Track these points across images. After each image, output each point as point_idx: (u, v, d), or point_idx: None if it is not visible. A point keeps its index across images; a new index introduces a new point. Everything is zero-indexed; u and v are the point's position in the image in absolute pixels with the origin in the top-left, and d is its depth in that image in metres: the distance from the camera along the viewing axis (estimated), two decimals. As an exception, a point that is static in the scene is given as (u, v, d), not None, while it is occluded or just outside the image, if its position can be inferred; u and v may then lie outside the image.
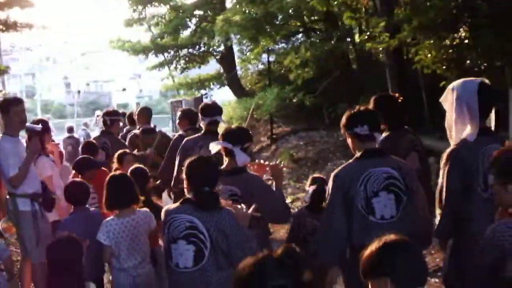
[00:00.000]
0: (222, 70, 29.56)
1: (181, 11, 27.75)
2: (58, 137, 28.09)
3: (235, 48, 27.36)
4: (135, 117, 12.45)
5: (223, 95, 32.58)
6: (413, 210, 5.35)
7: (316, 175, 7.87)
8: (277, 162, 6.70)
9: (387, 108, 6.54)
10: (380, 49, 13.81)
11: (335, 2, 15.77)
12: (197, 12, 27.75)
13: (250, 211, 5.41)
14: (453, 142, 5.59)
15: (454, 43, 11.62)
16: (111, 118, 11.33)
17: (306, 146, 20.15)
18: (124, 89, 44.32)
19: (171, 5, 28.49)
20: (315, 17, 19.99)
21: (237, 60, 28.52)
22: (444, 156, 5.58)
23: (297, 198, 15.90)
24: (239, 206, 5.42)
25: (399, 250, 3.26)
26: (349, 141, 5.58)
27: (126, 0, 29.01)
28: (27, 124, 8.22)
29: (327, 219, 5.50)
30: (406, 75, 14.92)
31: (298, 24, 20.99)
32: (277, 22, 19.05)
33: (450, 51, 11.59)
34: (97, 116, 31.61)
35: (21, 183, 7.64)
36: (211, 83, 29.79)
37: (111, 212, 6.46)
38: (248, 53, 22.75)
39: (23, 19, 18.30)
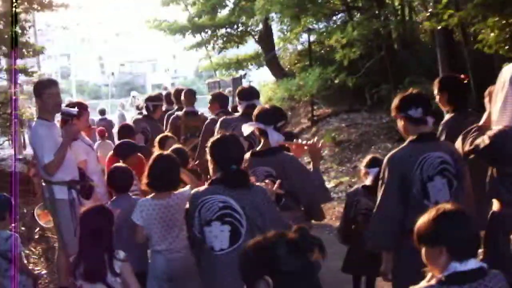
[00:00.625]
0: (260, 50, 28.99)
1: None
2: (92, 117, 27.98)
3: (274, 27, 26.88)
4: (173, 98, 12.54)
5: (261, 76, 32.16)
6: (462, 195, 5.27)
7: (372, 155, 7.56)
8: (315, 141, 6.44)
9: (453, 90, 6.53)
10: (438, 28, 13.05)
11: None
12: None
13: (274, 188, 5.38)
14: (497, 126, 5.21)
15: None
16: (154, 103, 11.43)
17: (348, 128, 19.65)
18: (167, 70, 43.68)
19: (208, -16, 27.98)
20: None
21: (276, 40, 27.97)
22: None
23: (340, 182, 15.44)
24: (266, 181, 5.48)
25: (455, 220, 3.44)
26: (400, 124, 5.47)
27: (163, -21, 28.59)
28: (63, 107, 7.80)
29: (383, 203, 5.38)
30: (456, 57, 14.27)
31: (340, 2, 20.43)
32: (320, 1, 18.47)
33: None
34: (133, 96, 31.61)
35: (57, 170, 7.27)
36: (249, 64, 29.38)
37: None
38: (288, 33, 22.11)
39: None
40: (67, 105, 8.56)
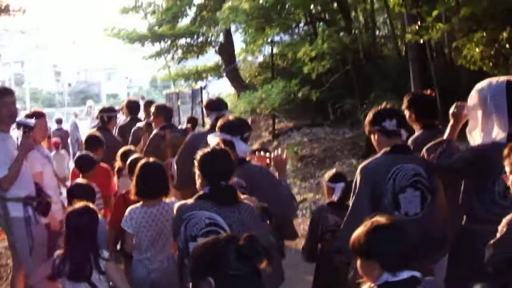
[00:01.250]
0: (220, 62, 28.51)
1: (179, -1, 26.77)
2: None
3: (235, 38, 26.46)
4: (125, 109, 12.43)
5: (220, 87, 31.78)
6: (435, 209, 5.31)
7: (335, 170, 7.33)
8: (279, 153, 6.19)
9: (422, 107, 6.40)
10: (412, 42, 12.68)
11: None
12: (195, 0, 26.71)
13: (256, 202, 5.24)
14: (475, 143, 5.19)
15: (507, 38, 10.68)
16: (109, 114, 11.05)
17: (311, 143, 19.25)
18: (126, 78, 42.95)
19: (169, -7, 27.47)
20: (328, 7, 18.96)
21: (237, 52, 27.49)
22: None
23: (304, 199, 14.98)
24: (253, 198, 5.25)
25: (387, 234, 3.49)
26: (374, 138, 5.46)
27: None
28: (19, 118, 7.18)
29: (353, 213, 5.28)
30: (427, 72, 13.89)
31: (304, 14, 20.08)
32: (284, 12, 18.06)
33: (503, 46, 10.68)
34: (89, 106, 31.03)
35: (10, 185, 6.70)
36: (209, 75, 28.83)
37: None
38: (250, 45, 21.65)
39: (16, 2, 17.35)
40: (26, 115, 7.99)
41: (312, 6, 18.01)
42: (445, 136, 5.36)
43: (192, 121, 13.99)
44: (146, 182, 6.05)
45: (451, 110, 5.37)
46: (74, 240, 5.36)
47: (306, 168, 17.36)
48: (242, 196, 5.13)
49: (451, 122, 5.38)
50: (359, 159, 16.31)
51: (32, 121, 7.16)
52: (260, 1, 16.34)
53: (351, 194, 5.38)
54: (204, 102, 9.09)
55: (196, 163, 5.05)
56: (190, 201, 4.98)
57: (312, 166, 17.38)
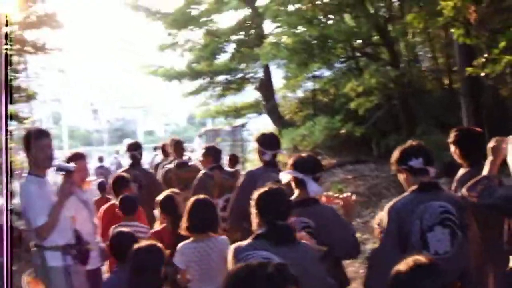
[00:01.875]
0: (260, 98, 28.11)
1: (217, 35, 26.43)
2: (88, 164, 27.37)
3: (275, 74, 26.07)
4: (168, 149, 12.45)
5: (259, 124, 31.41)
6: (467, 246, 5.26)
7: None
8: (349, 195, 6.14)
9: (468, 143, 6.38)
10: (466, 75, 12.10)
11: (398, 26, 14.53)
12: (233, 37, 26.39)
13: (314, 244, 5.16)
14: None
15: None
16: (140, 151, 11.23)
17: (355, 181, 18.70)
18: (163, 115, 42.75)
19: (206, 30, 27.15)
20: (370, 41, 18.49)
21: (276, 88, 27.12)
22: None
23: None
24: (312, 240, 5.17)
25: (429, 274, 3.41)
26: (401, 177, 5.48)
27: (161, 23, 27.73)
28: (57, 162, 6.88)
29: (380, 252, 5.33)
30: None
31: (345, 49, 19.64)
32: (327, 47, 17.61)
33: None
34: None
35: (50, 233, 6.34)
36: (248, 111, 28.39)
37: None
38: (290, 80, 21.18)
39: (53, 41, 17.13)
40: (65, 158, 7.62)
41: (354, 40, 17.46)
42: (485, 172, 5.24)
43: (233, 158, 13.71)
44: (198, 217, 6.20)
45: (490, 144, 5.30)
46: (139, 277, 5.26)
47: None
48: (302, 237, 5.05)
49: (490, 157, 5.28)
50: None
51: (71, 165, 6.82)
52: (303, 36, 15.85)
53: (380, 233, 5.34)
54: (257, 137, 8.24)
55: (253, 203, 4.97)
56: (246, 241, 4.86)
57: (358, 204, 16.85)
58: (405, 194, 5.31)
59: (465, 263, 5.19)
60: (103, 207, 8.98)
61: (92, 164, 24.47)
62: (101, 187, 18.09)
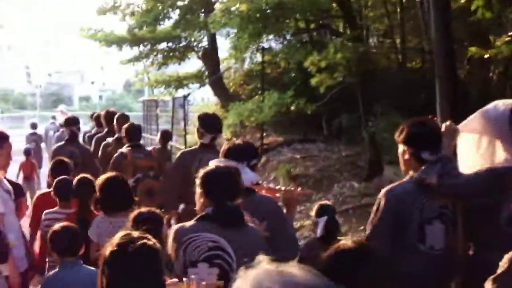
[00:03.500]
0: (203, 68, 26.71)
1: (160, 1, 24.96)
2: (18, 130, 26.30)
3: (220, 44, 24.82)
4: (102, 120, 12.31)
5: (202, 96, 30.34)
6: (455, 241, 5.12)
7: (323, 201, 7.36)
8: (292, 187, 5.99)
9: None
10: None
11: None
12: (179, 2, 24.94)
13: (261, 229, 4.97)
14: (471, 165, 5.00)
15: None
16: (77, 127, 11.38)
17: (304, 161, 17.63)
18: (92, 83, 41.42)
19: (149, -7, 25.66)
20: (329, 14, 17.27)
21: (221, 58, 25.81)
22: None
23: (301, 226, 13.35)
24: (260, 224, 5.04)
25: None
26: (404, 155, 5.11)
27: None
28: None
29: (373, 239, 4.92)
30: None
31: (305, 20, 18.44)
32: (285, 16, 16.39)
33: None
34: (61, 111, 29.62)
35: None
36: (191, 82, 26.98)
37: None
38: (239, 51, 19.91)
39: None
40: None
41: (313, 10, 16.22)
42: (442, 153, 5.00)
43: (164, 135, 12.90)
44: (109, 195, 6.21)
45: (443, 128, 5.11)
46: None
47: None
48: (250, 221, 4.85)
49: (445, 140, 5.06)
50: (361, 182, 15.05)
51: None
52: (259, 3, 14.54)
53: (371, 216, 5.08)
54: (199, 116, 8.30)
55: (198, 181, 4.71)
56: (189, 222, 4.68)
57: (308, 187, 15.73)
58: (404, 180, 5.09)
59: (455, 258, 5.08)
60: (38, 195, 8.48)
61: (24, 130, 23.59)
62: (27, 152, 17.22)
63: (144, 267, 3.31)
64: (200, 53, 26.04)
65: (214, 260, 4.49)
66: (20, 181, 15.76)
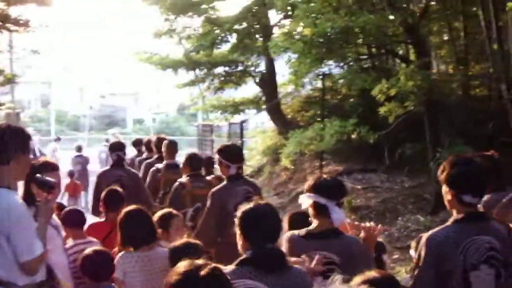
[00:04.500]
0: (260, 93, 26.16)
1: (217, 24, 24.51)
2: (71, 152, 26.43)
3: (280, 68, 24.25)
4: (153, 146, 12.38)
5: (258, 122, 29.88)
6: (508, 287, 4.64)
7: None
8: (373, 224, 5.55)
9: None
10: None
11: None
12: (236, 26, 24.45)
13: (313, 264, 4.74)
14: None
15: None
16: (124, 151, 11.08)
17: (365, 192, 16.97)
18: (148, 108, 41.15)
19: (206, 17, 25.21)
20: (398, 38, 16.54)
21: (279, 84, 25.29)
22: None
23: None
24: (306, 263, 4.72)
25: None
26: (446, 195, 4.81)
27: (158, 7, 25.79)
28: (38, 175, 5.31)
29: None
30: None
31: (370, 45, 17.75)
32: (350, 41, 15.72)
33: None
34: (113, 134, 29.66)
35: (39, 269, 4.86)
36: (247, 108, 26.42)
37: None
38: (298, 76, 19.29)
39: (40, 18, 15.48)
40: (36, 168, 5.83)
41: (382, 35, 15.51)
42: None
43: (208, 161, 12.01)
44: (131, 230, 6.05)
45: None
46: None
47: (362, 222, 15.01)
48: (296, 262, 4.64)
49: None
50: (426, 215, 14.36)
51: (52, 180, 5.30)
52: (324, 27, 13.86)
53: (414, 267, 4.87)
54: (219, 149, 8.39)
55: (236, 221, 4.47)
56: (229, 268, 4.29)
57: (370, 220, 15.03)
58: (446, 224, 4.78)
59: None
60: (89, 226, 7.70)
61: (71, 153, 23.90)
62: (70, 174, 17.20)
63: None
64: (257, 78, 25.44)
65: None
66: (65, 201, 15.75)
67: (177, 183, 9.37)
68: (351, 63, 18.08)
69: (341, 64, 19.06)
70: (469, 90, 18.61)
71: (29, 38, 17.70)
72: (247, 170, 22.32)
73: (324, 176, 5.59)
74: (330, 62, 18.06)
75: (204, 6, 25.11)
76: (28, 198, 5.26)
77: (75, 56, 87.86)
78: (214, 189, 8.15)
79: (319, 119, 19.25)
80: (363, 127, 16.00)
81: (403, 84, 12.82)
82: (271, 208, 4.54)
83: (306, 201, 5.26)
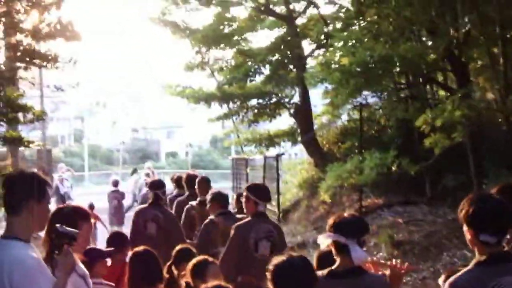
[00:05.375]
0: (295, 125, 25.51)
1: (249, 55, 24.11)
2: (105, 186, 26.28)
3: (314, 99, 23.80)
4: (183, 183, 12.28)
5: (292, 150, 29.42)
6: None
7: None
8: (398, 262, 5.43)
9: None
10: None
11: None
12: (269, 57, 24.00)
13: None
14: None
15: None
16: (162, 191, 11.07)
17: (407, 226, 16.29)
18: (190, 145, 40.68)
19: (238, 49, 24.85)
20: (437, 66, 15.94)
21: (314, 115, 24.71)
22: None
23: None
24: None
25: None
26: (466, 235, 4.59)
27: (188, 41, 25.48)
28: (58, 225, 4.76)
29: None
30: None
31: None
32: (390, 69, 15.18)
33: None
34: (148, 168, 29.36)
35: None
36: (282, 140, 25.83)
37: None
38: (334, 107, 18.74)
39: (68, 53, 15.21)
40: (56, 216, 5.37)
41: (424, 63, 14.95)
42: None
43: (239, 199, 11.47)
44: (137, 270, 6.17)
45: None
46: None
47: (405, 258, 14.30)
48: None
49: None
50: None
51: (74, 230, 4.82)
52: (363, 56, 13.32)
53: None
54: (249, 187, 8.73)
55: (268, 276, 4.38)
56: None
57: (413, 256, 14.51)
58: (469, 267, 4.57)
59: None
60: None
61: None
62: (91, 206, 18.05)
63: None
64: (291, 110, 24.82)
65: None
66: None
67: (207, 221, 9.54)
68: (389, 93, 17.50)
69: (378, 94, 18.57)
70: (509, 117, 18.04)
71: (61, 74, 17.40)
72: (283, 203, 21.82)
73: (344, 214, 5.52)
74: (366, 92, 17.56)
75: (236, 38, 24.80)
76: (50, 250, 4.84)
77: (107, 90, 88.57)
78: (238, 223, 8.40)
79: (356, 150, 18.76)
80: (404, 158, 15.46)
81: (449, 114, 12.22)
82: (305, 261, 4.43)
83: (324, 241, 5.26)
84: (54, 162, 33.10)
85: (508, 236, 4.97)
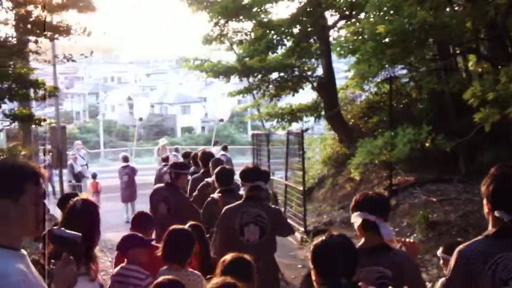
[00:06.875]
0: (318, 99, 24.68)
1: (269, 27, 23.13)
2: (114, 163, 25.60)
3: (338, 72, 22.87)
4: (199, 160, 12.45)
5: (315, 129, 28.57)
6: None
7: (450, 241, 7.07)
8: (412, 240, 5.66)
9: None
10: None
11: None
12: (291, 29, 23.06)
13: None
14: None
15: None
16: (177, 171, 10.86)
17: (442, 205, 15.35)
18: (221, 120, 39.68)
19: (258, 21, 23.84)
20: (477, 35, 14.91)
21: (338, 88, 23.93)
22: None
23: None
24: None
25: None
26: (485, 208, 4.62)
27: (206, 13, 24.45)
28: (55, 228, 4.05)
29: None
30: None
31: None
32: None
33: None
34: (164, 143, 28.77)
35: None
36: (305, 115, 25.01)
37: None
38: (367, 80, 17.77)
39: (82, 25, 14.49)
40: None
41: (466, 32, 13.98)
42: None
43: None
44: (170, 246, 6.29)
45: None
46: None
47: (441, 240, 13.45)
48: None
49: None
50: None
51: (77, 234, 3.95)
52: (402, 24, 12.33)
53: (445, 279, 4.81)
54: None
55: (309, 256, 4.36)
56: None
57: (450, 237, 13.51)
58: (478, 238, 4.60)
59: None
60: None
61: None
62: (93, 176, 20.08)
63: None
64: (315, 83, 23.92)
65: None
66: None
67: (209, 199, 9.62)
68: (424, 65, 16.43)
69: (409, 65, 17.58)
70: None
71: (74, 49, 16.69)
72: (307, 181, 20.92)
73: (369, 193, 5.61)
74: (401, 63, 16.59)
75: (255, 9, 23.81)
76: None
77: (123, 66, 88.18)
78: (227, 207, 8.34)
79: (385, 126, 17.82)
80: (438, 134, 14.51)
81: (503, 87, 11.23)
82: (345, 241, 4.35)
83: (357, 220, 5.24)
84: (69, 139, 32.58)
85: None
